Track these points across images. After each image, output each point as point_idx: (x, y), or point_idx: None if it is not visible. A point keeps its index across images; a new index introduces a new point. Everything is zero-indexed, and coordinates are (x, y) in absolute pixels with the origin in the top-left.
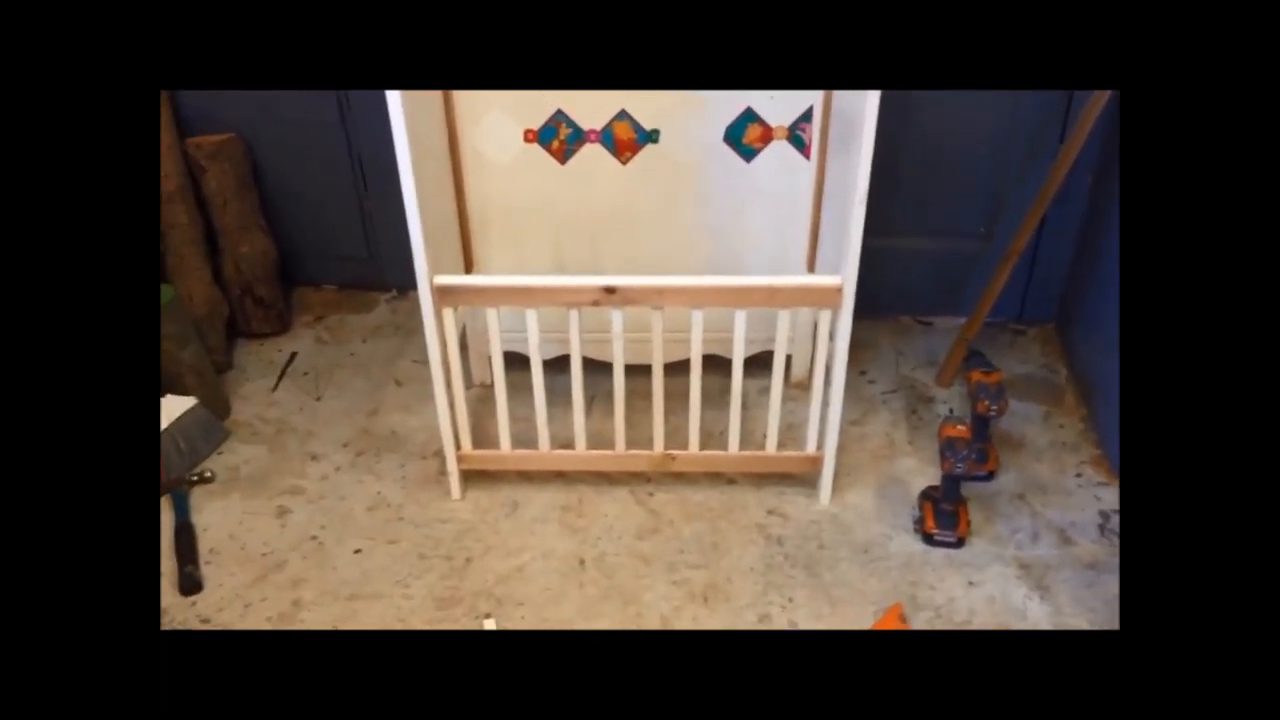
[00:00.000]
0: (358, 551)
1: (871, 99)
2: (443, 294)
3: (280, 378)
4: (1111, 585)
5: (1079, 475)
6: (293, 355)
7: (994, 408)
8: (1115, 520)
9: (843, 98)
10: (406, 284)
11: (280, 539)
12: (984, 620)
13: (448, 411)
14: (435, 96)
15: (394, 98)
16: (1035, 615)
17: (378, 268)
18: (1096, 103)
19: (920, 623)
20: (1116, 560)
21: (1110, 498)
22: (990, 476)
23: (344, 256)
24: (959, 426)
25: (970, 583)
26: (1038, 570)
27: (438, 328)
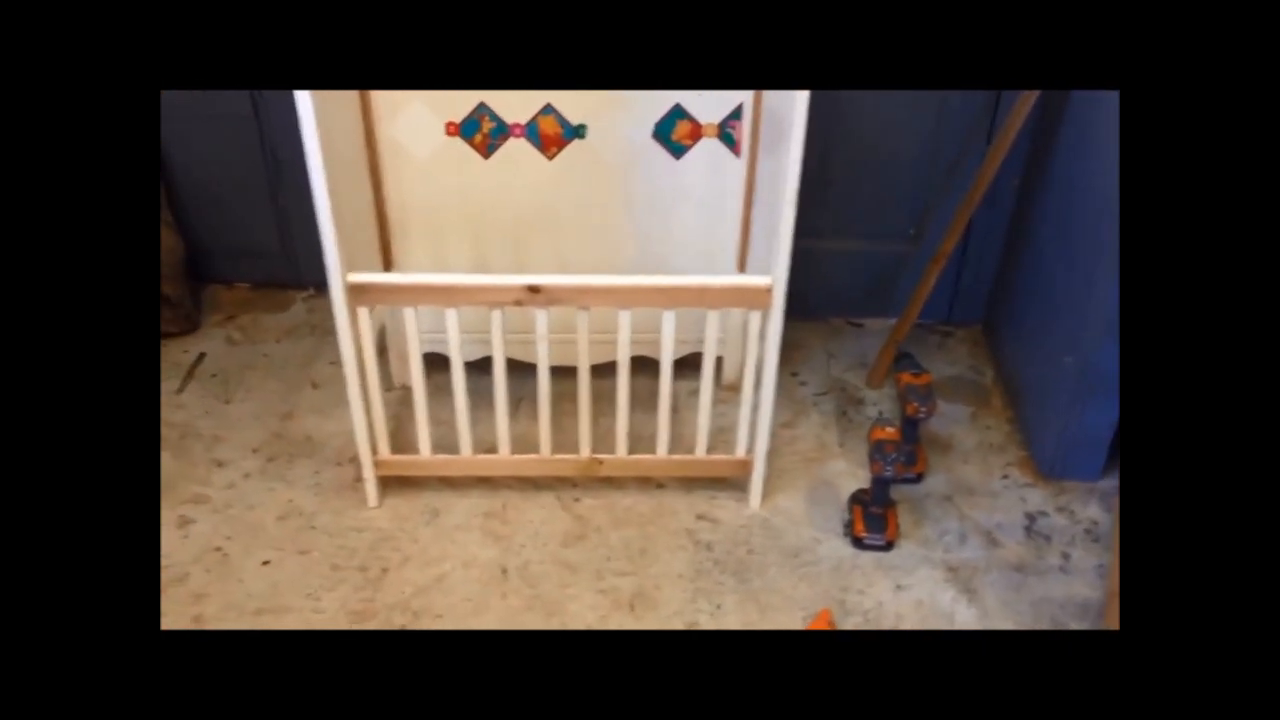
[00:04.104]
0: (266, 563)
1: (800, 99)
2: (356, 292)
3: (186, 379)
4: (1037, 588)
5: (1005, 477)
6: (200, 356)
7: (923, 409)
8: (1041, 522)
9: (773, 96)
10: (324, 282)
11: (182, 550)
12: (912, 624)
13: (363, 415)
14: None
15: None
16: (963, 618)
17: (293, 265)
18: (1024, 105)
19: (849, 627)
20: (1042, 562)
21: (1036, 499)
22: (919, 478)
23: (257, 253)
24: (888, 429)
25: (899, 586)
26: (965, 573)
27: (352, 328)
